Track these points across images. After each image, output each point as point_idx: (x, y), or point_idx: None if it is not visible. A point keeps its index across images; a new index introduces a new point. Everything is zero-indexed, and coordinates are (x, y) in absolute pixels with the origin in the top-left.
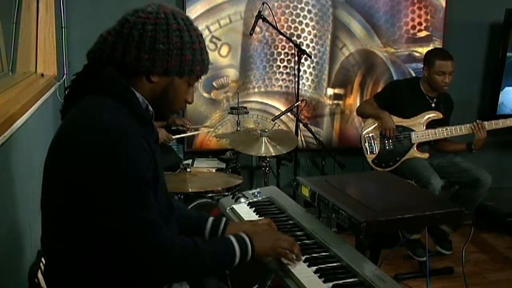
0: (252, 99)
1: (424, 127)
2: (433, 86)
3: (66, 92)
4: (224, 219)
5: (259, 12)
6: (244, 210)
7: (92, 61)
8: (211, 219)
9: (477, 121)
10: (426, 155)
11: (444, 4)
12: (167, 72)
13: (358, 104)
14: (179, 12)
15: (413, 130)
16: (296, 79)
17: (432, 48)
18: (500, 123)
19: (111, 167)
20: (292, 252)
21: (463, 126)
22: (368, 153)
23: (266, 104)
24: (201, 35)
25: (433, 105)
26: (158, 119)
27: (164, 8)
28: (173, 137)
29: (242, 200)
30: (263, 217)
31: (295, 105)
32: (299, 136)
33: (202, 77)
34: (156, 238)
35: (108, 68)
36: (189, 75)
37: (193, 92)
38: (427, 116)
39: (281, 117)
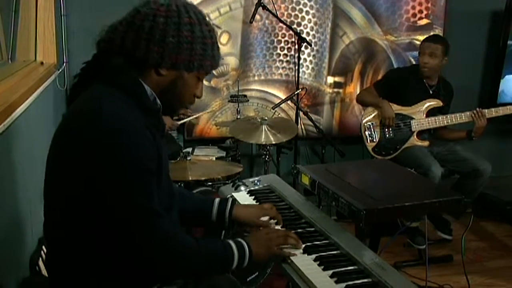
0: (252, 87)
1: (424, 115)
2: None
3: (75, 80)
4: (230, 200)
5: (259, 0)
6: (244, 198)
7: (102, 51)
8: (217, 200)
9: (477, 109)
10: (426, 143)
11: None
12: (176, 66)
13: (358, 92)
14: (191, 6)
15: (413, 118)
16: (296, 67)
17: None
18: (500, 111)
19: (114, 156)
20: (288, 244)
21: (463, 114)
22: (368, 141)
23: (266, 92)
24: (214, 30)
25: (431, 92)
26: (167, 113)
27: (177, 1)
28: (177, 123)
29: (242, 188)
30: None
31: (295, 93)
32: (299, 124)
33: (211, 72)
34: (157, 228)
35: (117, 59)
36: (198, 70)
37: (202, 86)
38: (427, 104)
39: (281, 105)
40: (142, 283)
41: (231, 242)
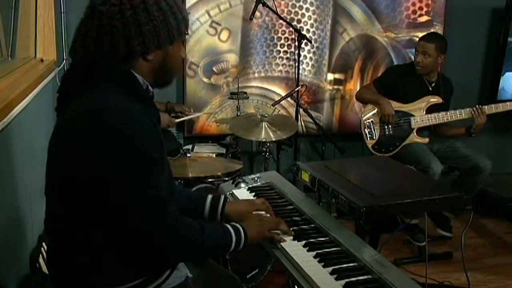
0: (252, 84)
1: (424, 112)
2: None
3: (59, 92)
4: (222, 197)
5: None
6: (244, 195)
7: (79, 60)
8: (209, 197)
9: (477, 105)
10: (426, 140)
11: None
12: (160, 46)
13: (357, 90)
14: None
15: (413, 115)
16: (296, 64)
17: None
18: (500, 107)
19: (120, 149)
20: (279, 230)
21: (463, 111)
22: (368, 138)
23: (266, 89)
24: None
25: (431, 88)
26: (163, 86)
27: None
28: (176, 120)
29: (242, 185)
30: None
31: (295, 90)
32: (299, 121)
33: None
34: (165, 215)
35: (104, 61)
36: (179, 38)
37: (184, 48)
38: (427, 101)
39: (281, 102)
40: (143, 275)
41: (229, 226)
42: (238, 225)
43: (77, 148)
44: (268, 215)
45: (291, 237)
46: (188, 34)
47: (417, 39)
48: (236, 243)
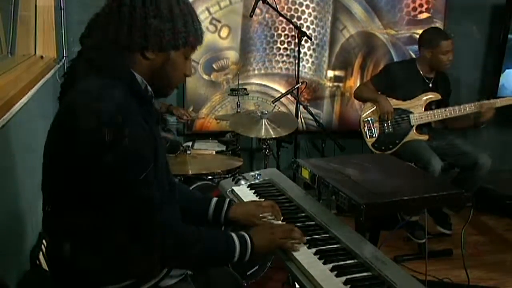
0: (252, 81)
1: (423, 109)
2: (438, 65)
3: (63, 79)
4: (227, 200)
5: None
6: (245, 192)
7: (87, 46)
8: (214, 199)
9: (482, 101)
10: (426, 137)
11: None
12: (162, 48)
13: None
14: None
15: (412, 112)
16: (296, 61)
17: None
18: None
19: (111, 147)
20: (291, 238)
21: (461, 107)
22: (368, 137)
23: (266, 86)
24: (191, 5)
25: (430, 85)
26: (159, 96)
27: None
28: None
29: (242, 182)
30: (264, 199)
31: (295, 87)
32: (299, 118)
33: (197, 48)
34: (158, 219)
35: (106, 50)
36: (184, 47)
37: (190, 64)
38: (425, 98)
39: (281, 99)
40: (142, 275)
41: (233, 235)
42: (244, 234)
43: (68, 141)
44: (279, 222)
45: (304, 246)
46: (196, 49)
47: (417, 36)
48: (241, 254)
